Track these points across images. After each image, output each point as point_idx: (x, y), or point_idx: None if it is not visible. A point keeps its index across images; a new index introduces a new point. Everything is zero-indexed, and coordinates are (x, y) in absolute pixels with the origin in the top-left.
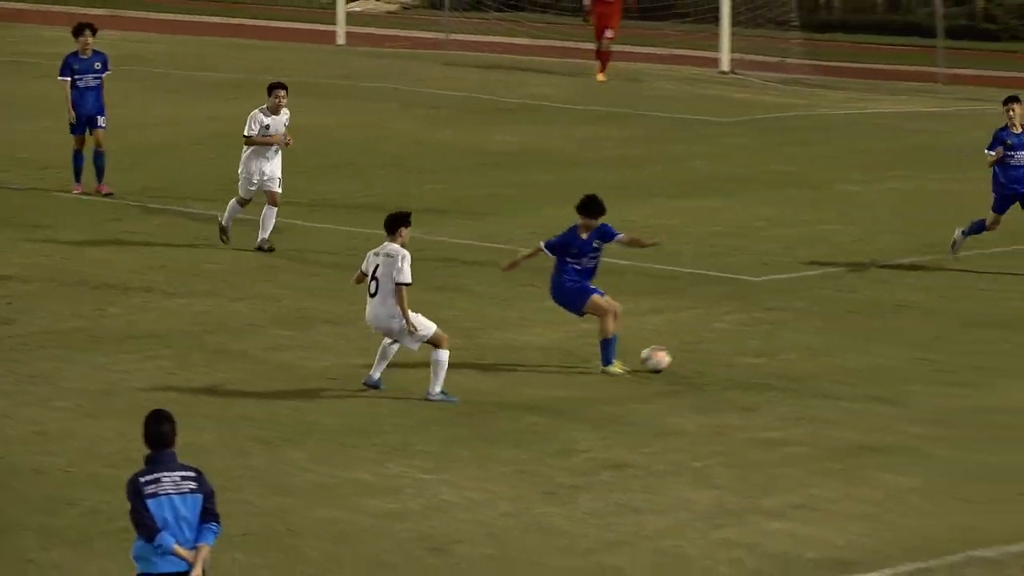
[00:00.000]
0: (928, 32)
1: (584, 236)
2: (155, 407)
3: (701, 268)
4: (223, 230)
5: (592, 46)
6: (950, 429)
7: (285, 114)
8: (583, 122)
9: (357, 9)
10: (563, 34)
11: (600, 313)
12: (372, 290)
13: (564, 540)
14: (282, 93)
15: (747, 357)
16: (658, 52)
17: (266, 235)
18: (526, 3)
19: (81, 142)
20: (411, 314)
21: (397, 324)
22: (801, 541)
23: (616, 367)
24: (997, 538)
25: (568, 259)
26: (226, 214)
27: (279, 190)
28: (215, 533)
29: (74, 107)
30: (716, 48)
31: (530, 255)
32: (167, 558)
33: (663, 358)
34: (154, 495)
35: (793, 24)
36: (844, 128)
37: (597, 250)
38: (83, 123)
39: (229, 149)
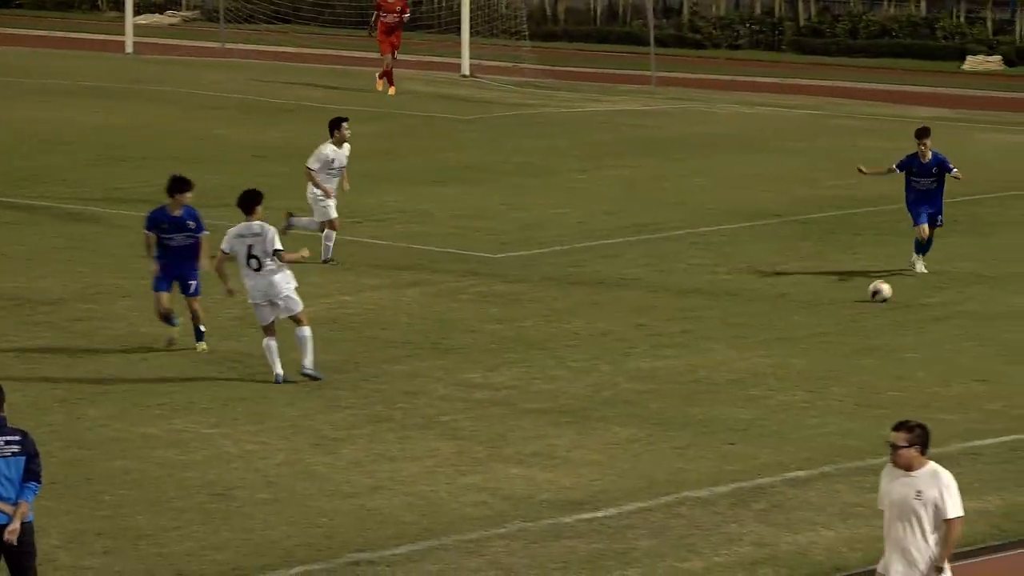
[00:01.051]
0: (642, 41)
1: (175, 213)
2: None
3: (448, 247)
4: (289, 225)
5: (377, 57)
6: (663, 385)
7: (346, 147)
8: None
9: (143, 21)
10: (326, 44)
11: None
12: (255, 267)
13: (331, 486)
14: (346, 126)
15: (489, 324)
16: (407, 59)
17: (330, 254)
18: (293, 17)
19: None
20: (293, 287)
21: (280, 299)
22: (538, 485)
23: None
24: (706, 480)
25: (162, 236)
26: (304, 220)
27: (336, 215)
28: (34, 491)
29: None
30: (458, 55)
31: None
32: None
33: (884, 289)
34: None
35: (524, 34)
36: (570, 124)
37: (193, 230)
38: None
39: (38, 147)
